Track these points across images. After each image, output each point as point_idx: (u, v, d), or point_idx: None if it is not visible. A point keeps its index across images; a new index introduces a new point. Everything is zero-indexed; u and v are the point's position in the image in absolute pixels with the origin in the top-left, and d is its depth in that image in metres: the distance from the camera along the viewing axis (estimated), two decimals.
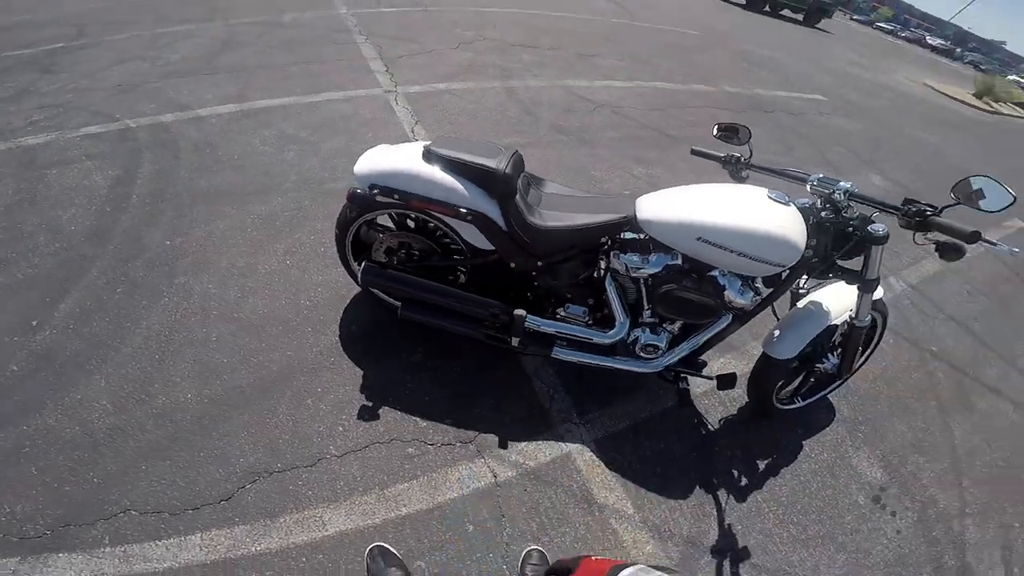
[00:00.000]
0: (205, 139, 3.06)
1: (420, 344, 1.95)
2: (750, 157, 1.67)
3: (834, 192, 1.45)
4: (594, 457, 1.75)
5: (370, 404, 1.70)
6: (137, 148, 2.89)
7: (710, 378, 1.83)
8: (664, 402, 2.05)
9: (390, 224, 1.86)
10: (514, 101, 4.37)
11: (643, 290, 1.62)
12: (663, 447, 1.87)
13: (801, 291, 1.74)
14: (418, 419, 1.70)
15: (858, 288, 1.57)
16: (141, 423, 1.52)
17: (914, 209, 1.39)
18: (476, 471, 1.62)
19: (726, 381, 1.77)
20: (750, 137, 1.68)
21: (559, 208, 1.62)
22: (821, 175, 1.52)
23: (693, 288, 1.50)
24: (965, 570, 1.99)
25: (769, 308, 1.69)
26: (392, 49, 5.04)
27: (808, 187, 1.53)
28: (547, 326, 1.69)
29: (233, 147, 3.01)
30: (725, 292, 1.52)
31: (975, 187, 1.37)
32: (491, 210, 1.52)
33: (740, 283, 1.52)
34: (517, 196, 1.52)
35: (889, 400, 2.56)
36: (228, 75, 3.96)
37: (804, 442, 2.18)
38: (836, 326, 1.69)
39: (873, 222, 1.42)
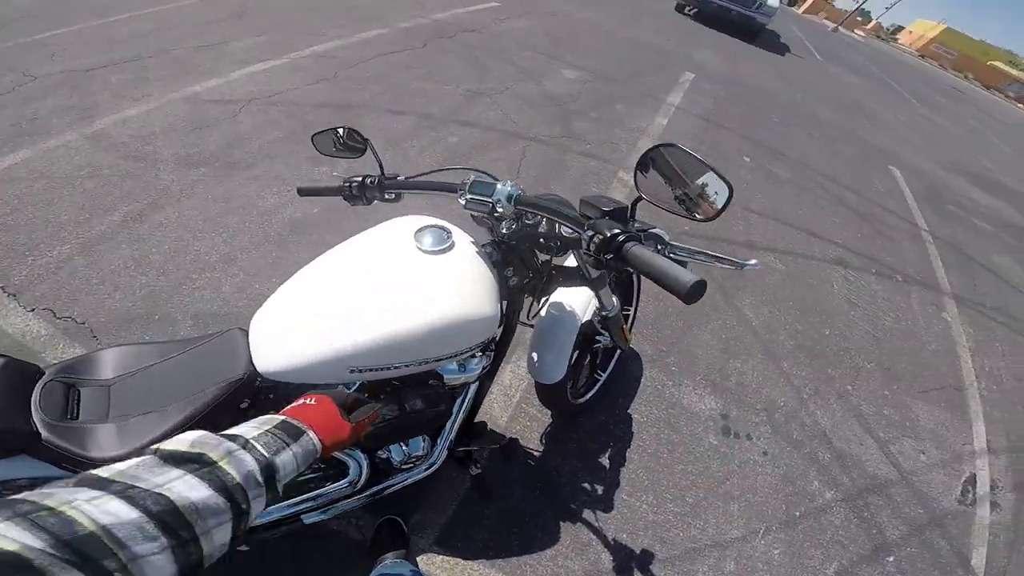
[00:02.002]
0: None
1: None
2: (382, 173, 1.09)
3: (498, 203, 0.94)
4: (446, 559, 1.52)
5: None
6: None
7: (496, 446, 1.49)
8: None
9: None
10: (109, 151, 2.55)
11: None
12: (503, 505, 1.64)
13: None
14: None
15: (589, 288, 1.16)
16: None
17: (591, 233, 0.75)
18: None
19: (508, 450, 1.59)
20: (366, 142, 1.08)
21: (145, 403, 0.86)
22: (474, 177, 0.99)
23: (403, 412, 0.98)
24: (842, 456, 2.06)
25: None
26: None
27: (464, 202, 0.97)
28: (275, 513, 1.15)
29: None
30: (445, 381, 1.08)
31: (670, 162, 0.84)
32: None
33: (454, 363, 1.06)
34: (45, 434, 0.78)
35: (678, 312, 2.55)
36: None
37: (630, 411, 2.01)
38: (588, 321, 1.45)
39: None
